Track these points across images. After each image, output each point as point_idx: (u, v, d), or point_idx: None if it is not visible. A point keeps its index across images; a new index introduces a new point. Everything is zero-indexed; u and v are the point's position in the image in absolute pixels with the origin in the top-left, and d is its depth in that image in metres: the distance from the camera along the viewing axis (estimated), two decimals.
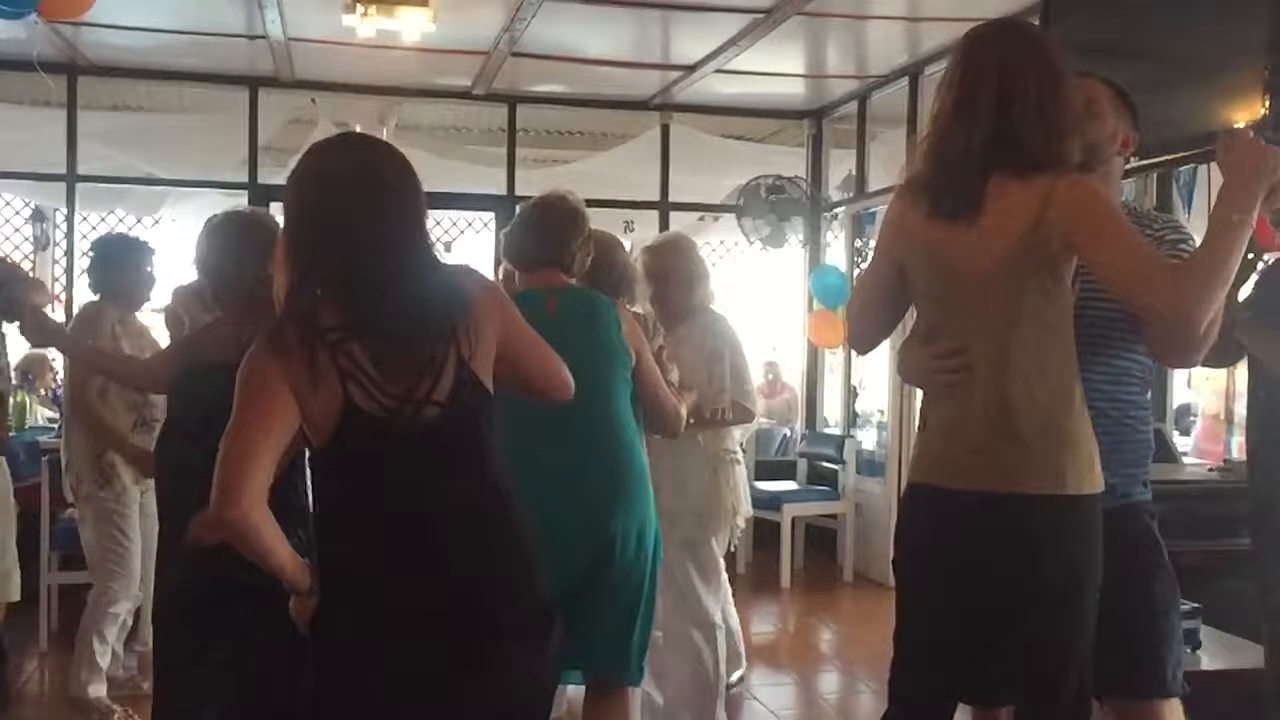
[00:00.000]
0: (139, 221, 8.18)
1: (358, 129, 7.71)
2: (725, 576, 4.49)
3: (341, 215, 1.95)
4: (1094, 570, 2.15)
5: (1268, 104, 3.66)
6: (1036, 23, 4.82)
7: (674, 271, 3.87)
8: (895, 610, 2.32)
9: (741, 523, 4.02)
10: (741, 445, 4.19)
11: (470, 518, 2.00)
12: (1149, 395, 2.46)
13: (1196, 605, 3.35)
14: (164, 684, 3.00)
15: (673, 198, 7.58)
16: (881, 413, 7.09)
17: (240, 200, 7.01)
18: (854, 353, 7.29)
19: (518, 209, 3.20)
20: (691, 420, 3.62)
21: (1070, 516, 2.12)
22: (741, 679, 4.58)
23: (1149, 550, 2.39)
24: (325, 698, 2.01)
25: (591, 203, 3.18)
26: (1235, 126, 2.16)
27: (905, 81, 6.53)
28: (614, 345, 2.96)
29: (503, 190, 7.30)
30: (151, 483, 3.65)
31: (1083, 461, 2.12)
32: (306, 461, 2.14)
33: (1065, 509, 2.11)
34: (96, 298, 4.27)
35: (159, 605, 3.12)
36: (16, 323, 3.53)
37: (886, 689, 2.32)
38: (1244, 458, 3.65)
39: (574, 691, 3.63)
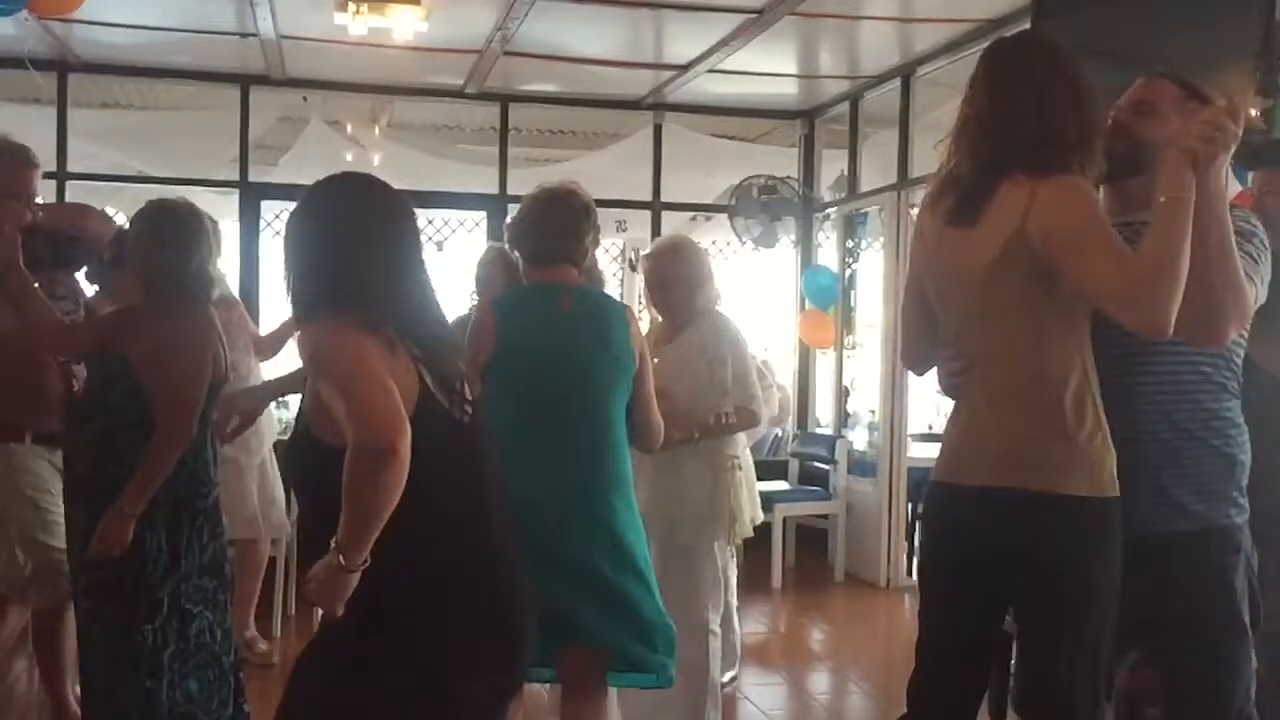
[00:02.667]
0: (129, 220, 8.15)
1: (349, 128, 7.73)
2: (734, 582, 4.53)
3: (376, 234, 2.09)
4: (1100, 576, 2.10)
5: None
6: (1028, 23, 4.83)
7: (674, 277, 3.85)
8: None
9: (748, 531, 3.99)
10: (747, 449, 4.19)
11: (500, 506, 2.16)
12: (1236, 403, 2.25)
13: None
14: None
15: (665, 197, 7.58)
16: (873, 413, 7.10)
17: (231, 199, 7.01)
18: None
19: (522, 201, 3.16)
20: (696, 431, 3.66)
21: (1071, 517, 2.09)
22: (734, 679, 4.59)
23: (1210, 585, 2.20)
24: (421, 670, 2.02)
25: None
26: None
27: (897, 82, 6.53)
28: (621, 350, 2.99)
29: (495, 189, 7.29)
30: None
31: (1089, 463, 2.09)
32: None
33: (1066, 509, 2.09)
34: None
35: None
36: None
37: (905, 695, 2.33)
38: None
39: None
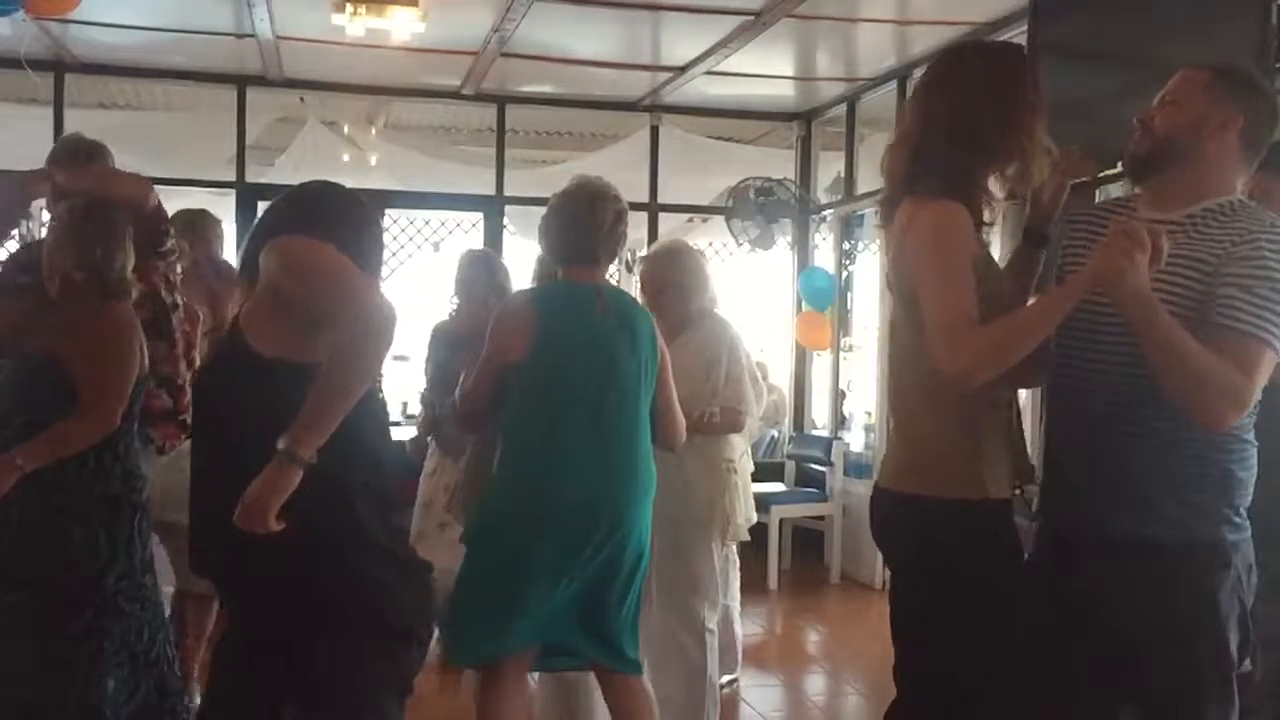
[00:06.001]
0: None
1: (346, 129, 7.73)
2: (736, 587, 4.53)
3: (375, 227, 2.33)
4: (967, 580, 2.12)
5: None
6: (1025, 25, 4.83)
7: (670, 281, 3.88)
8: None
9: (743, 534, 4.02)
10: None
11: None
12: (1248, 420, 2.12)
13: None
14: None
15: (662, 199, 7.58)
16: (869, 414, 7.10)
17: (228, 200, 7.00)
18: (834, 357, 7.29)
19: (556, 197, 3.11)
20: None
21: (934, 519, 2.14)
22: (734, 681, 4.59)
23: (1188, 595, 2.11)
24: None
25: None
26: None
27: (894, 84, 6.53)
28: (647, 354, 3.05)
29: (491, 190, 7.30)
30: None
31: (954, 469, 2.14)
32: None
33: (931, 510, 2.15)
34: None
35: None
36: None
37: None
38: None
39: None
